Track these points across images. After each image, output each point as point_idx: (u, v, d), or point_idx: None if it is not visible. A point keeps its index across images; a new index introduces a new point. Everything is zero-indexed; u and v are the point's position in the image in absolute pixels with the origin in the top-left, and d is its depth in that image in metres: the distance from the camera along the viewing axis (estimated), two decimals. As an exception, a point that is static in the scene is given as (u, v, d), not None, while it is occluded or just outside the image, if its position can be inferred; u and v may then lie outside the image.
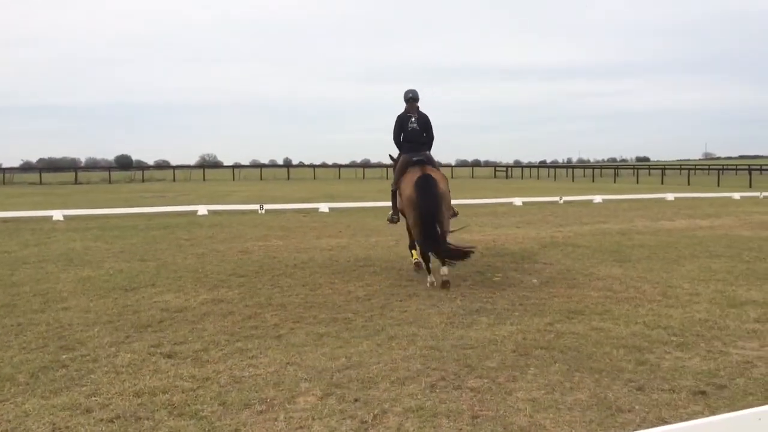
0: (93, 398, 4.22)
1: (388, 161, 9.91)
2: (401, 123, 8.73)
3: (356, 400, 4.15)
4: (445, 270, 7.71)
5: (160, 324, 6.04)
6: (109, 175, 52.86)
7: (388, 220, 9.41)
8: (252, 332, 5.73)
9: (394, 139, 8.88)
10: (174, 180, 51.77)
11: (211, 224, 15.16)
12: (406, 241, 9.84)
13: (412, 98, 8.77)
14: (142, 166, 69.73)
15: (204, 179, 52.57)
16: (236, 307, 6.70)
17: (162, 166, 76.12)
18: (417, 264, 8.88)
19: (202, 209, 18.28)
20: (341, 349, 5.23)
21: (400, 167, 8.74)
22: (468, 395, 4.24)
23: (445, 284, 7.59)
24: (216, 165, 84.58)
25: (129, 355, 5.09)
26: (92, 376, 4.64)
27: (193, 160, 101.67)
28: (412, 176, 8.12)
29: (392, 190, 9.03)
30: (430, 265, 7.94)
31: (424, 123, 8.75)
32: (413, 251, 9.12)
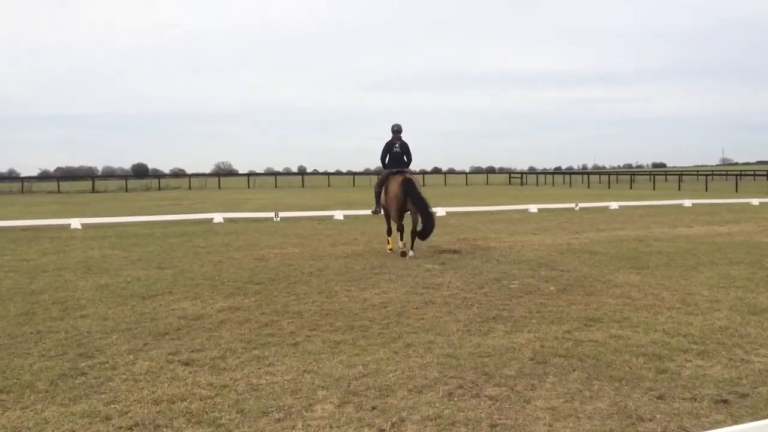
0: (112, 406, 4.24)
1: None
2: (388, 147, 11.66)
3: (374, 408, 4.14)
4: (405, 248, 11.04)
5: (177, 332, 6.07)
6: (126, 183, 53.36)
7: (372, 211, 12.60)
8: (269, 340, 5.74)
9: (381, 158, 11.79)
10: (190, 188, 52.16)
11: (226, 232, 15.24)
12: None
13: (396, 130, 11.64)
14: (158, 175, 70.19)
15: (219, 187, 52.90)
16: (253, 314, 6.72)
17: (178, 174, 76.69)
18: (392, 250, 11.49)
19: (218, 217, 18.39)
20: (358, 356, 5.22)
21: (384, 176, 11.75)
22: (486, 404, 4.21)
23: (406, 255, 10.84)
24: (231, 173, 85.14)
25: (147, 363, 5.12)
26: (111, 383, 4.67)
27: (208, 168, 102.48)
28: (397, 180, 11.08)
29: (376, 192, 11.94)
30: (399, 243, 11.19)
31: (405, 148, 11.65)
32: (389, 238, 11.77)
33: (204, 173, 68.52)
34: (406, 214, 11.27)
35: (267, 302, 7.29)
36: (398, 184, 11.01)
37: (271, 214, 18.97)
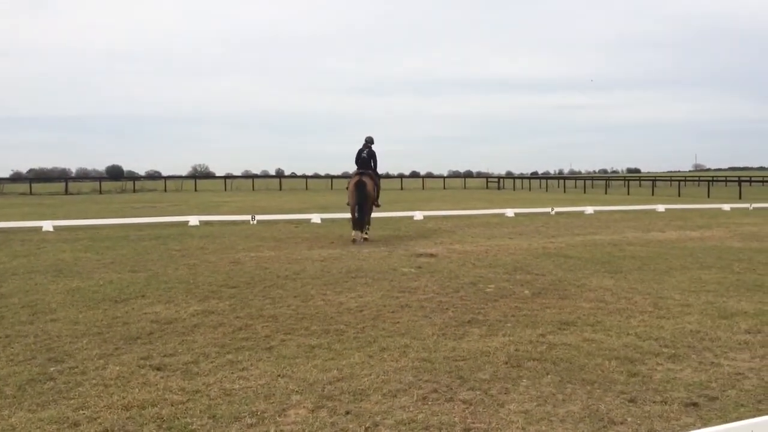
0: (81, 411, 4.17)
1: (380, 172, 14.10)
2: (358, 153, 14.41)
3: (348, 413, 4.12)
4: (363, 234, 13.66)
5: (149, 336, 5.99)
6: (100, 185, 52.65)
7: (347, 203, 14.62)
8: (243, 344, 5.69)
9: (355, 161, 14.46)
10: (165, 190, 51.63)
11: (202, 235, 15.11)
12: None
13: (367, 140, 14.44)
14: (133, 177, 69.39)
15: (195, 190, 52.45)
16: (227, 318, 6.66)
17: (153, 176, 75.90)
18: (353, 240, 13.52)
19: (194, 220, 18.22)
20: (333, 360, 5.20)
21: (352, 175, 14.51)
22: (460, 407, 4.21)
23: (364, 240, 13.51)
24: (208, 175, 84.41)
25: (118, 368, 5.04)
26: (80, 388, 4.59)
27: (184, 171, 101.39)
28: (354, 180, 13.89)
29: (346, 188, 14.84)
30: (356, 233, 13.59)
31: (371, 155, 14.41)
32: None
33: (180, 175, 67.81)
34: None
35: (242, 306, 7.24)
36: (353, 183, 13.77)
37: (248, 217, 18.84)
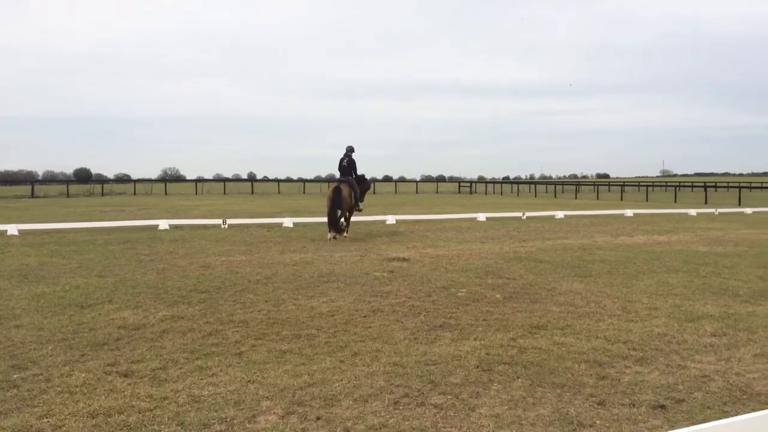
0: (45, 419, 4.07)
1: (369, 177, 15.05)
2: (340, 162, 16.02)
3: (318, 419, 4.09)
4: (338, 234, 15.00)
5: (116, 342, 5.88)
6: (68, 188, 51.64)
7: None
8: (212, 350, 5.62)
9: (338, 169, 16.11)
10: (135, 194, 50.87)
11: (172, 239, 14.91)
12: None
13: (348, 150, 15.98)
14: (101, 180, 68.10)
15: (166, 193, 51.77)
16: (196, 323, 6.57)
17: (122, 179, 74.64)
18: (329, 239, 14.76)
19: (164, 224, 17.98)
20: (304, 366, 5.16)
21: (332, 182, 16.99)
22: (431, 412, 4.21)
23: (337, 238, 14.86)
24: (178, 179, 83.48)
25: (84, 375, 4.94)
26: (44, 396, 4.48)
27: (154, 174, 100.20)
28: (331, 187, 15.63)
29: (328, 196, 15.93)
30: (332, 233, 14.89)
31: (351, 163, 15.91)
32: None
33: (150, 179, 66.86)
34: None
35: (212, 311, 7.15)
36: (331, 189, 15.43)
37: (219, 221, 18.67)
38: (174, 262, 11.00)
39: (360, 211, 16.78)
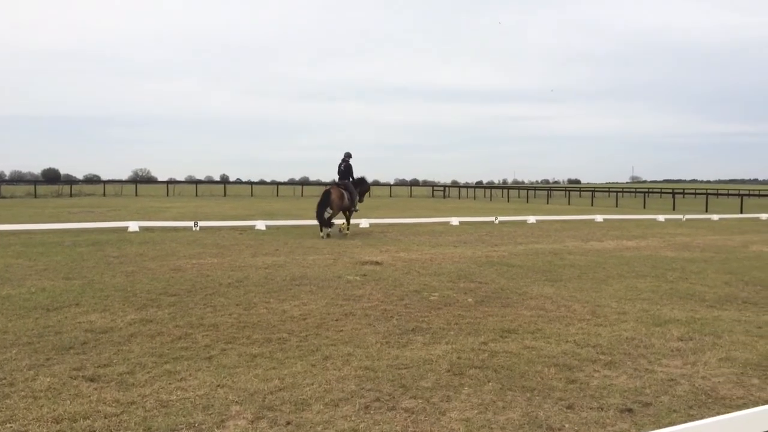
0: (8, 425, 3.97)
1: (327, 179, 16.29)
2: (339, 166, 17.63)
3: (288, 423, 4.06)
4: (328, 232, 16.57)
5: (83, 346, 5.77)
6: (35, 189, 50.62)
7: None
8: (181, 353, 5.54)
9: (337, 173, 17.69)
10: (104, 195, 50.05)
11: (142, 241, 14.70)
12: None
13: (346, 155, 17.69)
14: (70, 181, 66.78)
15: (136, 195, 51.04)
16: (166, 327, 6.48)
17: (92, 180, 73.29)
18: (321, 237, 16.29)
19: (134, 225, 17.72)
20: (275, 370, 5.13)
21: (326, 185, 18.54)
22: (402, 416, 4.21)
23: (330, 235, 16.49)
24: (149, 180, 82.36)
25: (48, 379, 4.83)
26: (8, 401, 4.38)
27: (125, 175, 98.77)
28: (325, 189, 17.23)
29: None
30: (323, 230, 16.45)
31: (347, 169, 17.59)
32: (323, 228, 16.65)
33: (120, 180, 65.73)
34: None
35: (182, 314, 7.06)
36: (323, 192, 16.89)
37: (191, 224, 18.46)
38: (143, 265, 10.84)
39: (356, 211, 17.89)
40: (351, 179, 17.62)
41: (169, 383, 4.78)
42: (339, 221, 17.88)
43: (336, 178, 17.87)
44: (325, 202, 16.49)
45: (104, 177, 67.78)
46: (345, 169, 17.55)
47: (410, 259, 12.02)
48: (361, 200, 18.20)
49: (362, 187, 18.33)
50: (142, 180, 78.18)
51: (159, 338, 6.05)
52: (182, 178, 78.93)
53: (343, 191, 16.93)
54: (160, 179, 74.27)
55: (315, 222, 20.34)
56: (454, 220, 21.96)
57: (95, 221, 20.02)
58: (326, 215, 16.42)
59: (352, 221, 18.22)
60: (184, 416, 4.14)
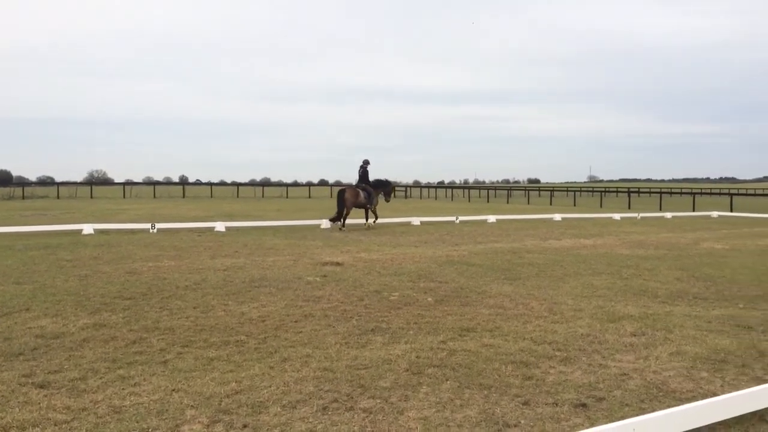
0: (-50, 436, 3.84)
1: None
2: (358, 171, 20.49)
3: (245, 426, 4.02)
4: (339, 225, 19.38)
5: (33, 351, 5.61)
6: (-15, 191, 49.01)
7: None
8: (136, 358, 5.44)
9: (358, 176, 20.64)
10: (58, 197, 48.74)
11: (97, 244, 14.37)
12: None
13: (364, 163, 20.47)
14: (22, 183, 64.83)
15: (92, 197, 49.86)
16: (120, 331, 6.35)
17: (45, 182, 71.17)
18: (338, 228, 19.21)
19: (88, 228, 17.32)
20: (232, 373, 5.06)
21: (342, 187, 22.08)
22: (360, 416, 4.21)
23: (341, 229, 18.95)
24: (105, 182, 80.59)
25: (-5, 387, 4.68)
26: (-49, 411, 4.23)
27: (80, 177, 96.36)
28: (339, 189, 20.21)
29: None
30: (339, 222, 19.37)
31: (364, 173, 20.37)
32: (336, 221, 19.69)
33: (75, 182, 64.05)
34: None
35: (136, 318, 6.93)
36: (338, 191, 20.02)
37: (148, 226, 18.13)
38: (98, 268, 10.60)
39: (370, 208, 20.37)
40: (368, 183, 20.33)
41: (123, 389, 4.68)
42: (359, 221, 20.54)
43: (356, 180, 20.76)
44: (341, 200, 19.43)
45: (58, 179, 65.82)
46: (362, 174, 20.42)
47: (371, 260, 12.02)
48: (387, 200, 21.65)
49: (386, 188, 21.23)
50: (97, 182, 76.42)
51: (112, 343, 5.92)
52: (140, 180, 77.45)
53: (359, 191, 19.76)
54: (116, 181, 72.74)
55: (275, 223, 21.41)
56: (416, 220, 22.05)
57: (48, 224, 19.50)
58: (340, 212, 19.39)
59: (308, 222, 20.58)
60: (137, 422, 4.06)
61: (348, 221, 19.71)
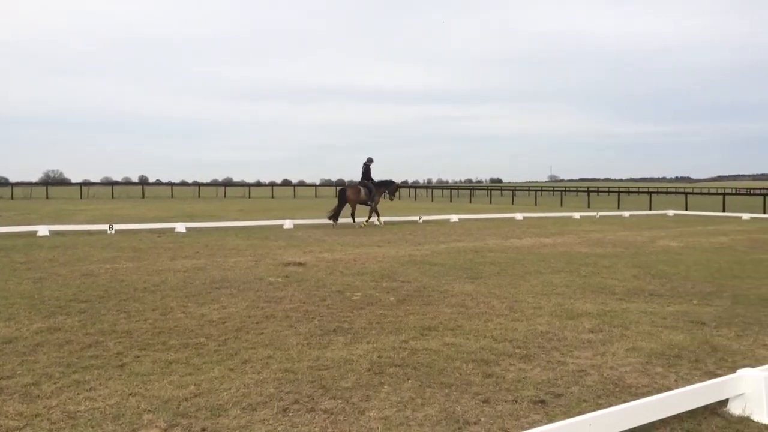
0: None
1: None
2: (361, 169, 21.23)
3: (204, 430, 3.96)
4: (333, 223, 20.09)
5: (-17, 357, 5.44)
6: (-66, 191, 47.38)
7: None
8: (91, 362, 5.31)
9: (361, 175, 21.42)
10: (12, 198, 47.38)
11: (52, 246, 14.01)
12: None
13: (367, 161, 21.14)
14: (-26, 183, 62.80)
15: (47, 197, 48.60)
16: (75, 335, 6.20)
17: (-1, 182, 69.18)
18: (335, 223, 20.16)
19: (43, 229, 16.88)
20: (191, 376, 4.99)
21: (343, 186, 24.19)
22: (321, 417, 4.19)
23: (333, 225, 20.09)
24: (62, 182, 78.58)
25: (-57, 395, 4.52)
26: None
27: (35, 177, 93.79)
28: (340, 188, 21.98)
29: None
30: (336, 219, 20.05)
31: (365, 171, 21.05)
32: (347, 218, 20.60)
33: (30, 182, 62.32)
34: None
35: (93, 321, 6.77)
36: (339, 190, 21.61)
37: (105, 227, 17.75)
38: (53, 271, 10.34)
39: (370, 205, 20.99)
40: (371, 180, 21.12)
41: (78, 393, 4.57)
42: (360, 219, 21.15)
43: (359, 177, 21.40)
44: (342, 198, 20.44)
45: (12, 179, 63.85)
46: (364, 172, 21.17)
47: (334, 260, 11.99)
48: (391, 198, 22.50)
49: (390, 187, 21.90)
50: (53, 182, 74.41)
51: (67, 347, 5.77)
52: (98, 180, 75.79)
53: (360, 188, 20.72)
54: (73, 181, 70.98)
55: (237, 223, 21.26)
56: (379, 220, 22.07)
57: (2, 225, 18.92)
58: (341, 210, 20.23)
59: (270, 223, 20.87)
60: (92, 427, 3.97)
61: (340, 220, 20.40)
